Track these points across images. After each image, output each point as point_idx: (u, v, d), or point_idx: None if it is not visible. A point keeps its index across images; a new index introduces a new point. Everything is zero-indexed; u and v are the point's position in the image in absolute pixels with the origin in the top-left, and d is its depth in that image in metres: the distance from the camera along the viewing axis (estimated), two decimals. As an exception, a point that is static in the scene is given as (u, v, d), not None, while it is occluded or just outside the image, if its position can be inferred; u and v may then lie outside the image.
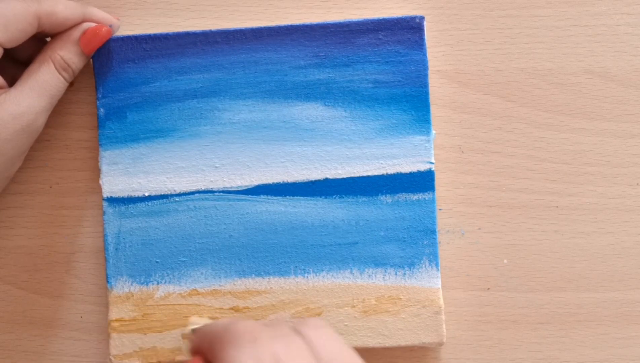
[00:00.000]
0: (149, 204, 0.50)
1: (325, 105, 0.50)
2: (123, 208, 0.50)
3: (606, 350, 0.52)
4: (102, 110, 0.51)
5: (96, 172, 0.52)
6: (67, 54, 0.49)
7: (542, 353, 0.52)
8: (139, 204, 0.50)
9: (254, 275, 0.50)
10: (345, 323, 0.50)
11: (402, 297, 0.50)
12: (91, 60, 0.51)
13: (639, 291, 0.52)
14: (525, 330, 0.52)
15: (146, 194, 0.50)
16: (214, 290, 0.50)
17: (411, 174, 0.50)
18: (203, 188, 0.50)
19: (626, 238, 0.52)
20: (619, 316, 0.52)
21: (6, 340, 0.52)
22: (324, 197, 0.50)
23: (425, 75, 0.50)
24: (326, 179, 0.50)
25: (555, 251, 0.52)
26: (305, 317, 0.39)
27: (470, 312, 0.52)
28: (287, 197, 0.50)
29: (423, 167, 0.50)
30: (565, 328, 0.52)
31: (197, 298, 0.50)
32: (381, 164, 0.50)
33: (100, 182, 0.50)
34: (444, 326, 0.50)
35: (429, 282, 0.50)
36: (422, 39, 0.50)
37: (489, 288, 0.52)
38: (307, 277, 0.50)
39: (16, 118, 0.47)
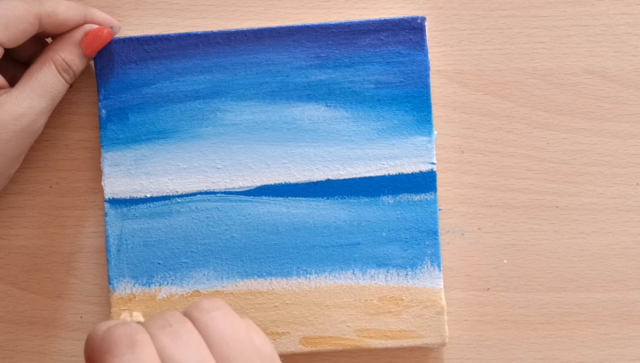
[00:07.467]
0: (151, 205, 0.50)
1: (327, 106, 0.50)
2: (125, 209, 0.50)
3: (606, 350, 0.52)
4: (103, 111, 0.50)
5: (96, 172, 0.52)
6: (69, 55, 0.48)
7: (542, 353, 0.52)
8: (140, 206, 0.50)
9: (256, 276, 0.50)
10: (348, 324, 0.50)
11: (404, 298, 0.50)
12: (92, 61, 0.51)
13: (639, 291, 0.52)
14: (525, 330, 0.52)
15: (148, 195, 0.50)
16: (216, 291, 0.50)
17: (413, 175, 0.50)
18: (205, 189, 0.50)
19: (626, 238, 0.53)
20: (619, 316, 0.52)
21: (6, 340, 0.52)
22: (325, 197, 0.50)
23: (427, 76, 0.50)
24: (328, 180, 0.50)
25: (555, 251, 0.52)
26: (201, 299, 0.36)
27: (470, 312, 0.52)
28: (289, 198, 0.50)
29: (425, 168, 0.50)
30: (565, 328, 0.52)
31: (199, 300, 0.50)
32: (383, 164, 0.50)
33: (102, 183, 0.50)
34: (446, 327, 0.50)
35: (431, 283, 0.50)
36: (423, 39, 0.50)
37: (489, 288, 0.53)
38: (309, 278, 0.50)
39: (16, 119, 0.47)
